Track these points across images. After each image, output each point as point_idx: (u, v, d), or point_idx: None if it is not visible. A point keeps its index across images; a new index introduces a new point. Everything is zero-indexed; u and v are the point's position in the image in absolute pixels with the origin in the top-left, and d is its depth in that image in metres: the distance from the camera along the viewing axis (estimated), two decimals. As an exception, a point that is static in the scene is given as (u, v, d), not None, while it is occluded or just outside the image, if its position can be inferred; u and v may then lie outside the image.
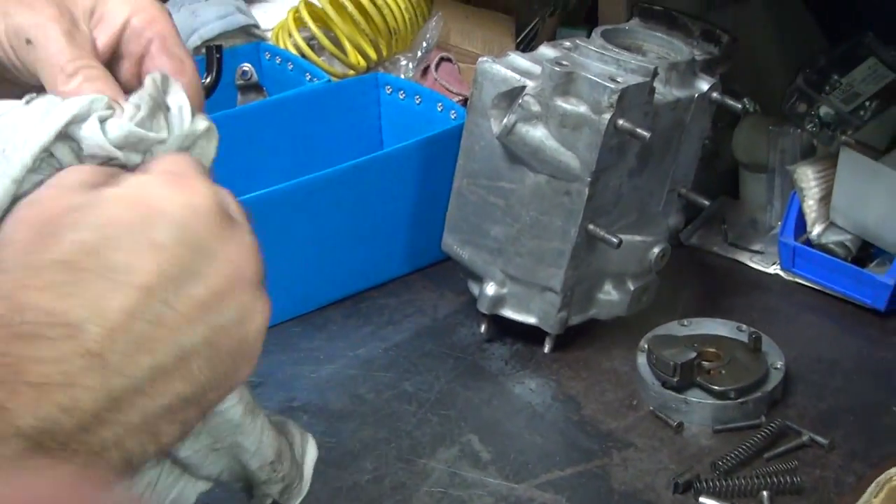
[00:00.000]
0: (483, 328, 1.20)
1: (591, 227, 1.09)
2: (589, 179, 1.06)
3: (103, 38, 0.60)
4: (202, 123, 0.57)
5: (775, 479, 0.96)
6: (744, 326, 1.14)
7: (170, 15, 0.62)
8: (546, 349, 1.17)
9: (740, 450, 1.00)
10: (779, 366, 1.09)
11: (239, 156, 1.37)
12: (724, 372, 1.07)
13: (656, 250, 1.16)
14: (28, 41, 0.57)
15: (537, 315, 1.16)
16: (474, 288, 1.20)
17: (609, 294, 1.18)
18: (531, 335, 1.17)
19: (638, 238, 1.15)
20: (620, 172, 1.10)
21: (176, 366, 0.49)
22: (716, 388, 1.05)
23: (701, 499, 0.95)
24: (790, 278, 1.28)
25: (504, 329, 1.19)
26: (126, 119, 0.54)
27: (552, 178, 1.08)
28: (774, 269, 1.30)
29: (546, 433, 1.06)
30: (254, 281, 0.52)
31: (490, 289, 1.16)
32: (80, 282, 0.47)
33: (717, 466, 0.99)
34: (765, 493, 0.95)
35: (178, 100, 0.57)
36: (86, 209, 0.49)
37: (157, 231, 0.49)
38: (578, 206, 1.08)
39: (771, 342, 1.12)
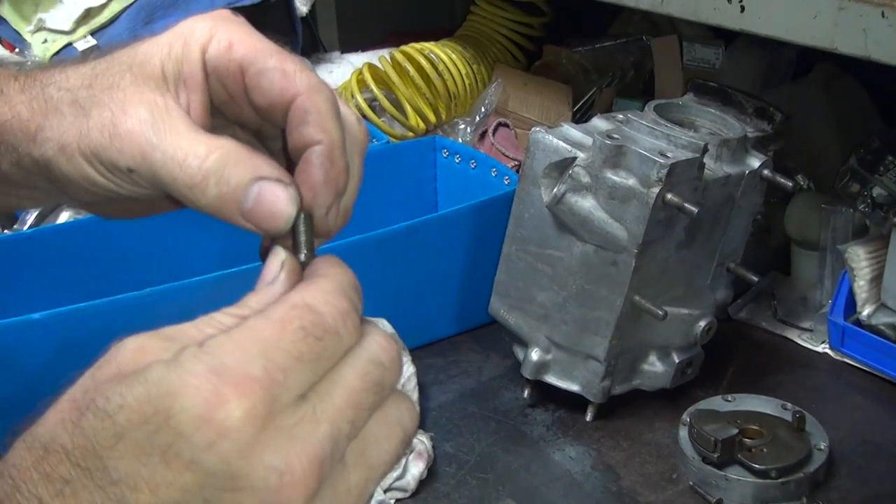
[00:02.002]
0: (526, 393, 1.21)
1: (636, 298, 1.10)
2: (636, 251, 1.07)
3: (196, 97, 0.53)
4: None
5: (814, 563, 0.95)
6: (788, 405, 1.13)
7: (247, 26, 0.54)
8: (588, 417, 1.17)
9: (779, 530, 0.99)
10: (822, 447, 1.08)
11: (296, 212, 1.40)
12: (766, 450, 1.07)
13: (702, 324, 1.17)
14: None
15: (580, 383, 1.16)
16: (519, 353, 1.21)
17: (653, 365, 1.18)
18: (574, 402, 1.18)
19: (684, 311, 1.16)
20: (668, 245, 1.11)
21: None
22: (757, 466, 1.05)
23: (736, 578, 0.94)
24: (839, 358, 1.27)
25: (547, 395, 1.20)
26: None
27: (600, 249, 1.10)
28: (823, 348, 1.29)
29: (583, 503, 1.06)
30: None
31: (535, 354, 1.17)
32: (75, 484, 0.40)
33: (755, 546, 0.98)
34: (802, 576, 0.94)
35: None
36: (120, 386, 0.41)
37: (173, 449, 0.40)
38: (625, 276, 1.09)
39: (815, 422, 1.11)
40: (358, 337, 0.46)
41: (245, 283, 1.14)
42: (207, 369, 0.41)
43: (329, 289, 0.47)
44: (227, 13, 0.53)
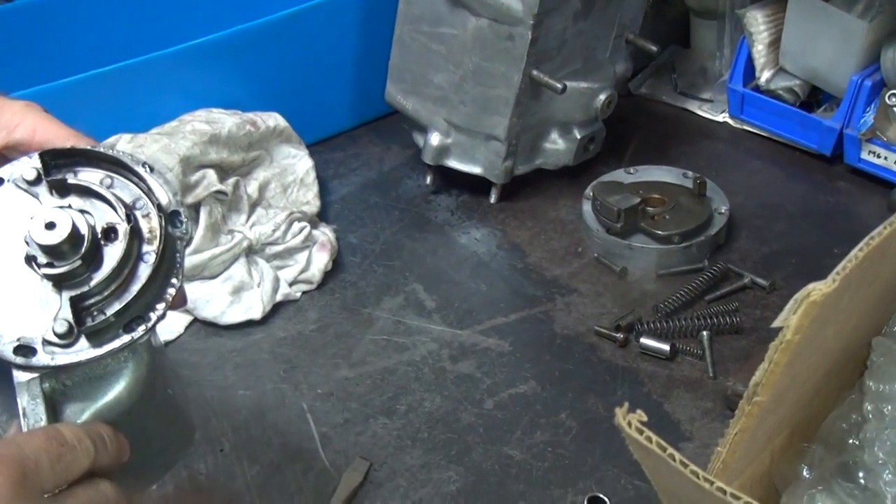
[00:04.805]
0: (429, 180, 1.19)
1: (534, 72, 1.07)
2: (532, 22, 1.03)
3: None
4: None
5: (716, 320, 0.97)
6: (689, 173, 1.13)
7: (51, 116, 0.67)
8: (492, 199, 1.16)
9: (682, 292, 1.01)
10: (723, 211, 1.09)
11: (173, 4, 1.32)
12: (668, 217, 1.07)
13: (602, 97, 1.15)
14: None
15: (482, 165, 1.14)
16: (419, 139, 1.18)
17: (555, 143, 1.17)
18: (477, 186, 1.16)
19: (583, 84, 1.13)
20: (564, 16, 1.07)
21: None
22: (659, 232, 1.05)
23: (642, 340, 0.96)
24: (738, 126, 1.27)
25: (450, 181, 1.18)
26: None
27: (494, 22, 1.05)
28: (723, 117, 1.29)
29: (491, 281, 1.06)
30: None
31: (434, 139, 1.14)
32: None
33: (659, 309, 1.00)
34: (705, 333, 0.96)
35: None
36: None
37: None
38: (521, 50, 1.05)
39: (716, 188, 1.12)
40: (91, 457, 0.57)
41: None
42: None
43: (72, 426, 0.59)
44: (34, 104, 0.67)
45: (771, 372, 0.54)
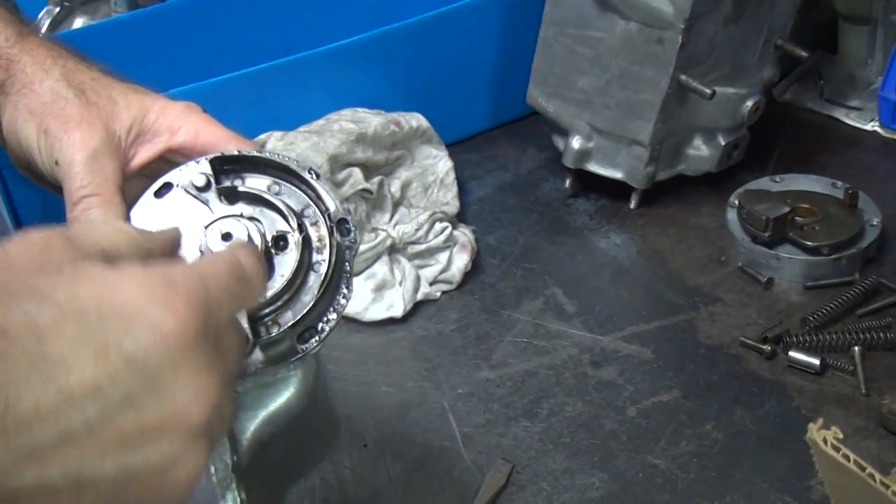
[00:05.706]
0: (568, 183, 1.18)
1: (683, 77, 1.05)
2: (682, 26, 1.02)
3: (144, 156, 0.65)
4: None
5: (868, 335, 0.94)
6: (839, 183, 1.10)
7: (212, 119, 0.67)
8: (632, 205, 1.15)
9: (832, 306, 0.98)
10: (875, 223, 1.06)
11: (318, 5, 1.34)
12: (817, 228, 1.04)
13: (749, 103, 1.12)
14: (56, 162, 0.62)
15: (624, 169, 1.13)
16: (559, 142, 1.18)
17: (699, 149, 1.15)
18: (617, 190, 1.15)
19: (731, 90, 1.11)
20: (716, 19, 1.05)
21: (67, 491, 0.42)
22: (808, 243, 1.03)
23: (791, 353, 0.93)
24: (889, 135, 1.23)
25: (589, 184, 1.17)
26: None
27: (643, 26, 1.04)
28: (872, 126, 1.25)
29: (631, 287, 1.05)
30: (195, 429, 0.45)
31: (576, 142, 1.14)
32: (7, 357, 0.41)
33: (808, 322, 0.97)
34: (856, 348, 0.93)
35: None
36: (62, 277, 0.45)
37: (113, 340, 0.43)
38: (670, 55, 1.04)
39: (867, 199, 1.08)
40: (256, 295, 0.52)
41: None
42: (162, 281, 0.45)
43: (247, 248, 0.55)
44: (195, 105, 0.67)
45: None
